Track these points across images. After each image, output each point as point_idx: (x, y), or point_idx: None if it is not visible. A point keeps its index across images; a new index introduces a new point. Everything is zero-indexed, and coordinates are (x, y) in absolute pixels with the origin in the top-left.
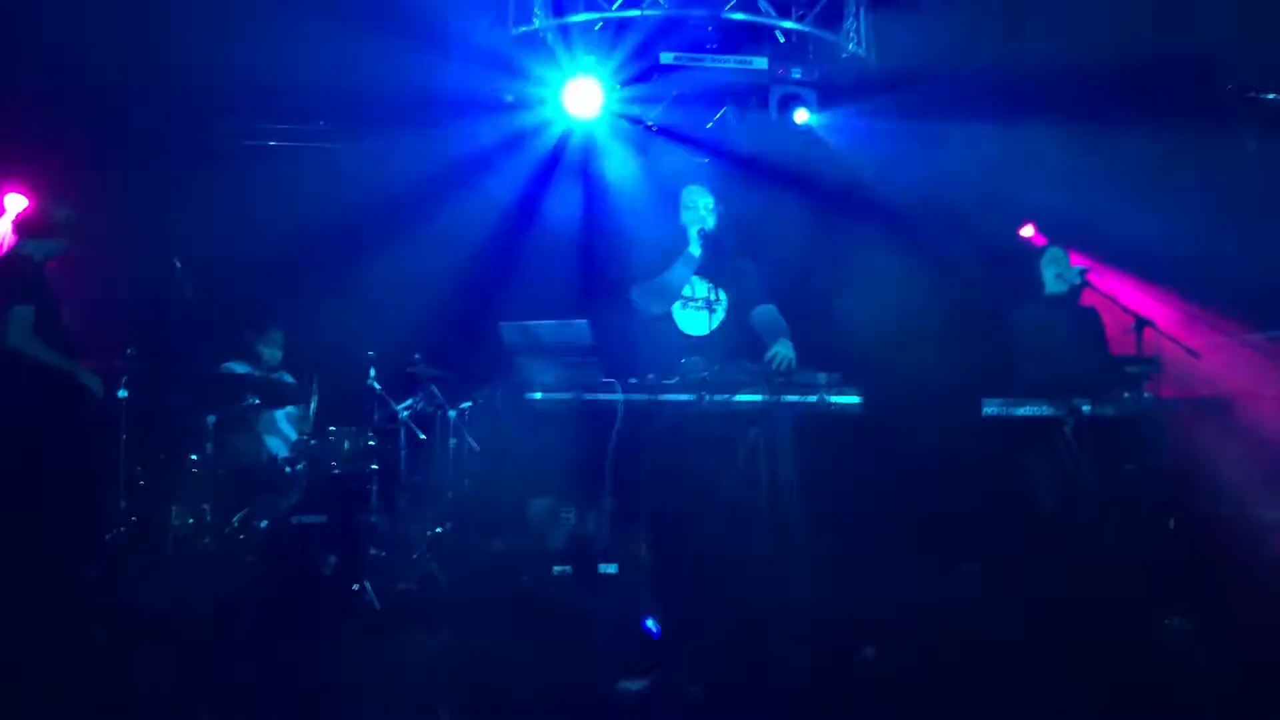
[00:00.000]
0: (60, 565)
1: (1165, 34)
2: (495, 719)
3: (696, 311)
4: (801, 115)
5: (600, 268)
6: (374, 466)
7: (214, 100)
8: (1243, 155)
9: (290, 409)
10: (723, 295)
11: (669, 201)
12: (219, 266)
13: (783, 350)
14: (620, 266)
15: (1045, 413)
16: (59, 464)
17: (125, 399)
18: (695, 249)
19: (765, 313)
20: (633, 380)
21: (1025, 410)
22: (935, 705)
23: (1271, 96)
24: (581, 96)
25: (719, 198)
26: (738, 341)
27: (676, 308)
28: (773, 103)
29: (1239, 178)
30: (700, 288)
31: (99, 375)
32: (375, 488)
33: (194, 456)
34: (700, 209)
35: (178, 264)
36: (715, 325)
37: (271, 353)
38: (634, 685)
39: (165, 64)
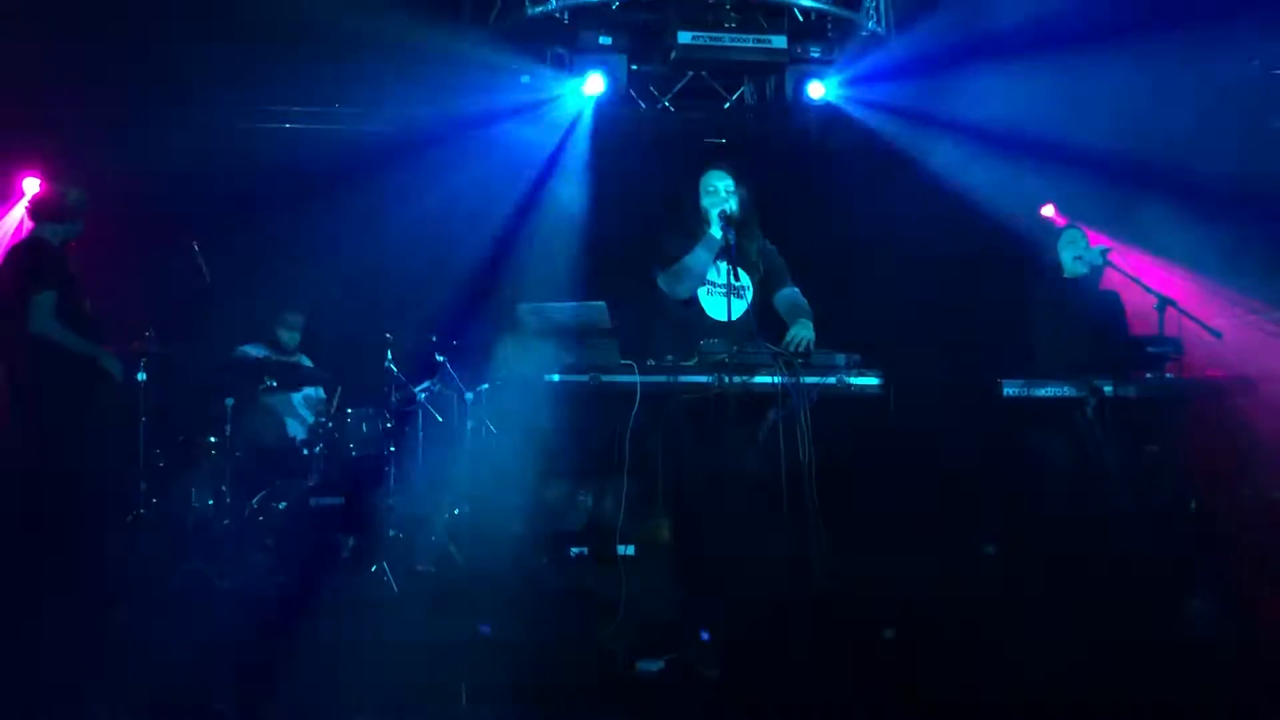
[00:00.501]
0: (82, 546)
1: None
2: (513, 699)
3: (721, 297)
4: (816, 89)
5: (622, 251)
6: (391, 449)
7: (230, 82)
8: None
9: (308, 391)
10: (747, 280)
11: (689, 185)
12: (237, 249)
13: (801, 331)
14: (643, 250)
15: (1066, 393)
16: (81, 447)
17: (144, 382)
18: (716, 231)
19: (788, 295)
20: (651, 362)
21: (1046, 391)
22: (954, 686)
23: None
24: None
25: (739, 180)
26: (763, 326)
27: (702, 293)
28: (790, 83)
29: (1263, 153)
30: (725, 273)
31: (119, 358)
32: (393, 470)
33: (212, 439)
34: (721, 192)
35: (196, 247)
36: (741, 311)
37: (291, 336)
38: (652, 666)
39: (183, 46)
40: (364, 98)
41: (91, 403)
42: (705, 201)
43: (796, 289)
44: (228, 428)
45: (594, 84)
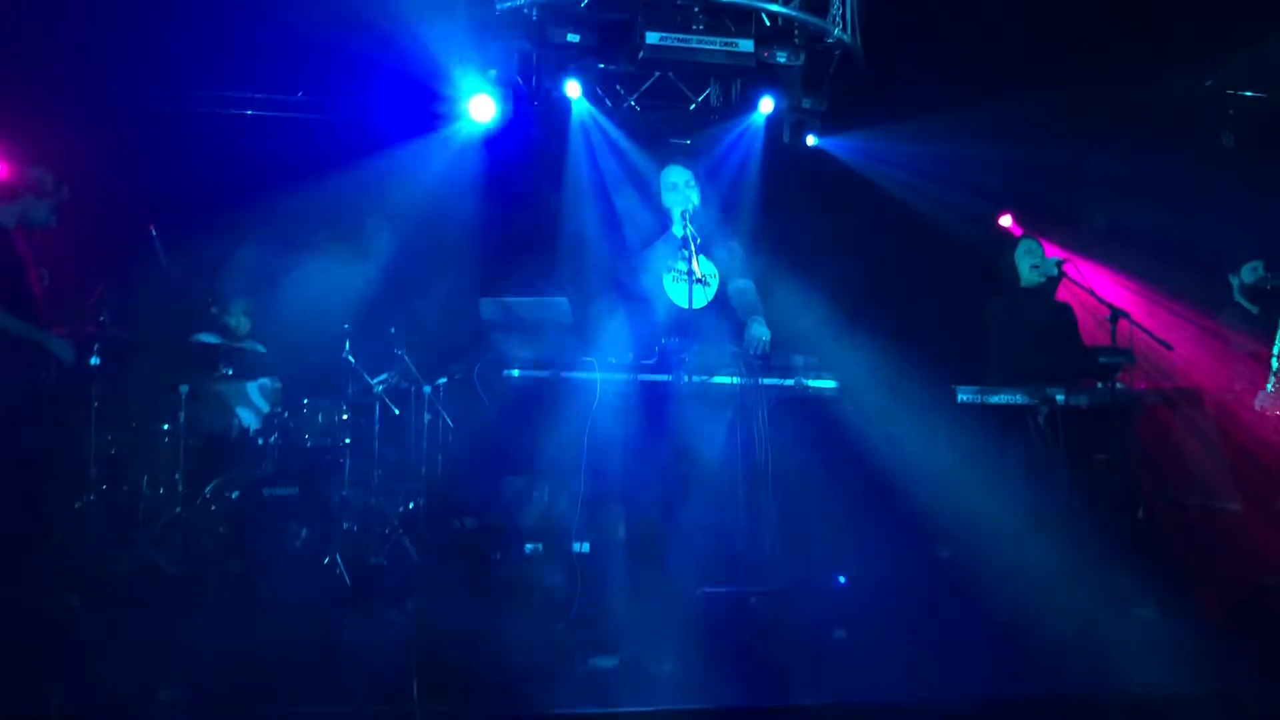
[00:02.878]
0: (29, 533)
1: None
2: (466, 696)
3: (684, 284)
4: (766, 105)
5: (586, 246)
6: (347, 440)
7: (192, 67)
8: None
9: (263, 380)
10: (713, 269)
11: (651, 183)
12: (194, 235)
13: (760, 332)
14: (608, 246)
15: (1019, 401)
16: (26, 432)
17: (97, 366)
18: (678, 229)
19: (741, 288)
20: (611, 359)
21: (999, 398)
22: (904, 687)
23: (1249, 94)
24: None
25: (698, 174)
26: (727, 320)
27: (667, 280)
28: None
29: (1215, 172)
30: (685, 264)
31: (71, 342)
32: (348, 462)
33: (165, 426)
34: (681, 186)
35: (153, 231)
36: (704, 302)
37: (239, 321)
38: (606, 663)
39: (143, 29)
40: (326, 88)
41: (35, 387)
42: (667, 199)
43: (751, 283)
44: (181, 415)
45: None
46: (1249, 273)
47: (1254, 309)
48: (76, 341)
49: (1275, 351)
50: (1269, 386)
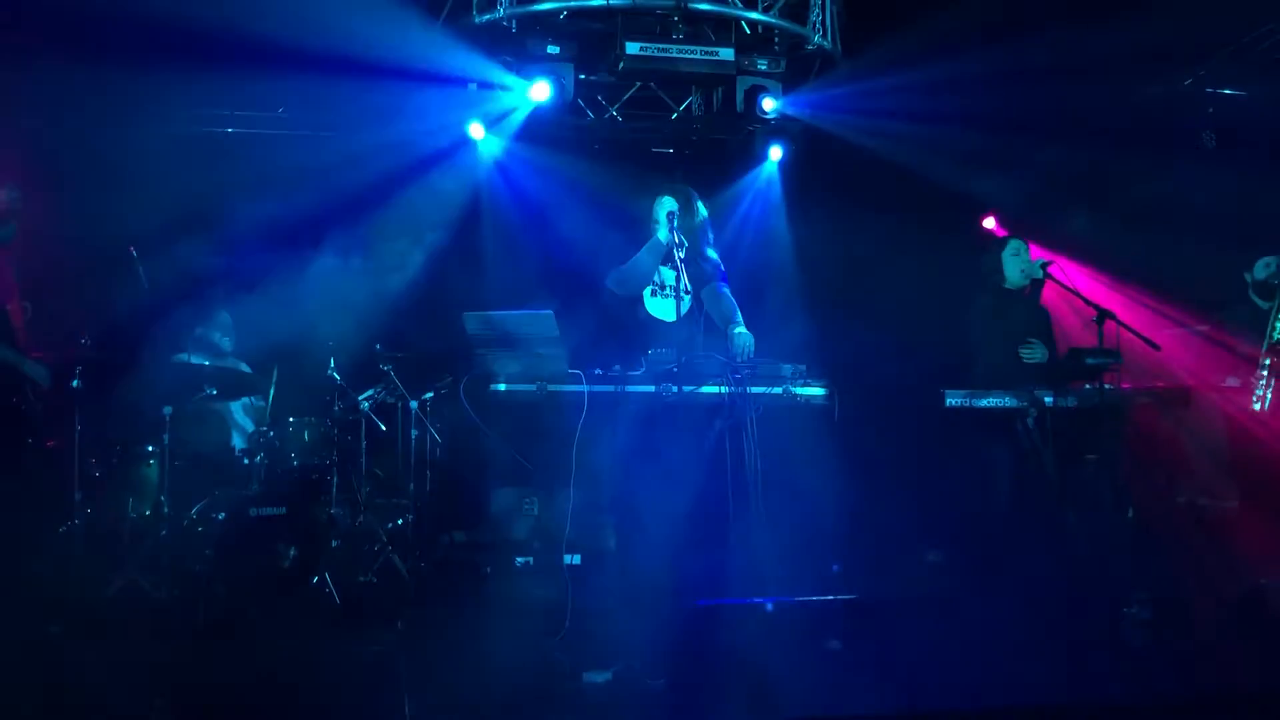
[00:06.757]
0: (11, 558)
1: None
2: (457, 713)
3: (666, 299)
4: (769, 104)
5: (571, 258)
6: (334, 458)
7: (172, 85)
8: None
9: (247, 400)
10: (692, 285)
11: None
12: (175, 255)
13: (744, 337)
14: (592, 253)
15: (1008, 404)
16: (5, 458)
17: (79, 389)
18: (663, 234)
19: (715, 293)
20: (598, 371)
21: (988, 401)
22: (896, 696)
23: (1229, 92)
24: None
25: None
26: (707, 327)
27: (647, 294)
28: (739, 95)
29: (1195, 171)
30: (671, 276)
31: (50, 365)
32: (335, 479)
33: (150, 448)
34: (675, 213)
35: (133, 252)
36: (685, 312)
37: (222, 337)
38: (598, 677)
39: (121, 48)
40: (304, 103)
41: (13, 410)
42: (656, 208)
43: (725, 286)
44: (165, 436)
45: (540, 91)
46: (1261, 269)
47: (1265, 305)
48: (57, 364)
49: (1264, 347)
50: (1259, 385)
